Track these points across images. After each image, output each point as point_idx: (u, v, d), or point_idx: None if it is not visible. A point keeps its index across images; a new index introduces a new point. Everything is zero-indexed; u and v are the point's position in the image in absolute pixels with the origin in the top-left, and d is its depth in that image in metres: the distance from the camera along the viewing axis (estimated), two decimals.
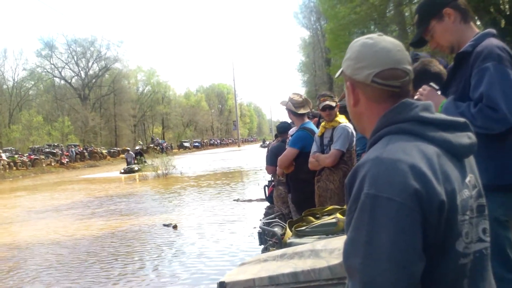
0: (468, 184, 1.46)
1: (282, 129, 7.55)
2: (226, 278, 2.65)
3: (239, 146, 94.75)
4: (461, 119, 1.53)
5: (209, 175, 28.94)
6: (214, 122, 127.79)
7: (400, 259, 1.27)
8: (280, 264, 2.66)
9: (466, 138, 1.49)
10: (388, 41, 1.54)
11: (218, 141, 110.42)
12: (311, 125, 5.76)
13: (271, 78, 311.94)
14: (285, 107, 5.82)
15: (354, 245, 1.34)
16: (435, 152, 1.40)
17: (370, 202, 1.33)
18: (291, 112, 5.73)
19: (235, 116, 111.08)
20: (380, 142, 1.45)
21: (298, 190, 5.65)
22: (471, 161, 1.54)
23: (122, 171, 35.44)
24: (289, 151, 5.66)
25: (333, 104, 5.25)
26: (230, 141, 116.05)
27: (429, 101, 1.56)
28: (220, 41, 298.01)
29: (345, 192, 1.47)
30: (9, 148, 51.63)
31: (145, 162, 36.06)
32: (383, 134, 1.47)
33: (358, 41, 1.58)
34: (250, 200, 15.50)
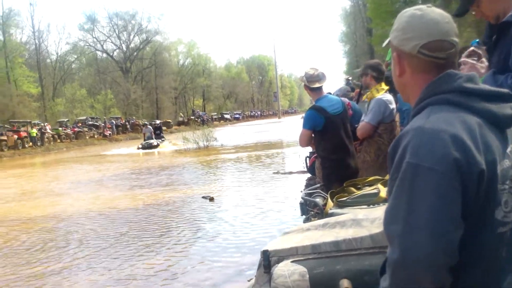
0: (509, 154, 1.49)
1: None
2: (269, 247, 2.70)
3: (279, 117, 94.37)
4: (505, 90, 1.54)
5: (249, 147, 29.09)
6: (254, 94, 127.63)
7: (439, 227, 1.31)
8: (322, 233, 2.69)
9: (509, 109, 1.50)
10: (437, 13, 1.55)
11: (259, 112, 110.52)
12: (325, 101, 5.55)
13: (312, 49, 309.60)
14: (302, 83, 5.74)
15: (394, 213, 1.39)
16: (477, 123, 1.42)
17: (411, 171, 1.36)
18: (306, 87, 5.63)
19: (276, 88, 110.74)
20: (423, 112, 1.48)
21: (321, 166, 5.67)
22: None
23: (140, 146, 33.98)
24: (302, 132, 5.61)
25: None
26: (270, 112, 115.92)
27: (474, 72, 1.57)
28: (261, 12, 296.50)
29: (388, 161, 1.50)
30: (64, 120, 52.86)
31: (163, 138, 35.89)
32: (426, 104, 1.50)
33: (407, 12, 1.59)
34: (290, 173, 15.45)
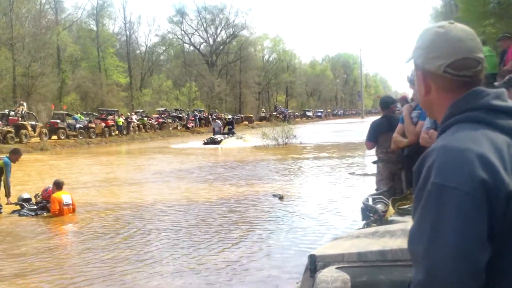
0: None
1: (386, 104, 7.21)
2: (317, 252, 2.73)
3: (362, 117, 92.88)
4: None
5: (329, 146, 28.96)
6: (338, 92, 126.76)
7: (464, 247, 1.28)
8: (370, 242, 2.69)
9: None
10: (460, 29, 1.51)
11: (341, 111, 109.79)
12: None
13: (399, 48, 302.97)
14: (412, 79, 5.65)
15: (419, 232, 1.36)
16: (505, 141, 1.37)
17: (437, 191, 1.33)
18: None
19: (360, 87, 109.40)
20: (449, 131, 1.45)
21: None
22: None
23: (206, 141, 34.13)
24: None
25: None
26: (353, 112, 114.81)
27: (503, 89, 1.53)
28: (348, 9, 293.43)
29: (413, 179, 1.48)
30: (139, 110, 54.18)
31: (233, 134, 35.75)
32: (452, 122, 1.46)
33: (430, 30, 1.56)
34: (366, 175, 15.15)
